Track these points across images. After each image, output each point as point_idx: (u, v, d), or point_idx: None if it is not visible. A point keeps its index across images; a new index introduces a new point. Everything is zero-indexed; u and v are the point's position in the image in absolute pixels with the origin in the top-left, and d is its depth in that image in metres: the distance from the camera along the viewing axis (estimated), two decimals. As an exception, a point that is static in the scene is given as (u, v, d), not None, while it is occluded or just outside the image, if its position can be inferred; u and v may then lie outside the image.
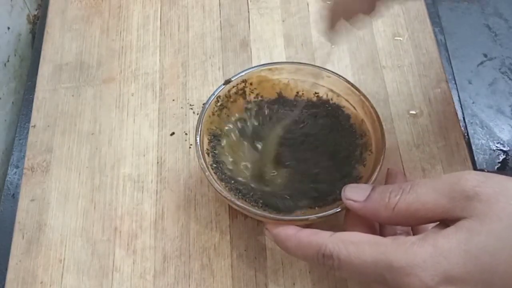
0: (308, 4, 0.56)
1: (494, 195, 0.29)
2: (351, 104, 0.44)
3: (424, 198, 0.31)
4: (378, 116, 0.42)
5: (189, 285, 0.42)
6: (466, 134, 0.49)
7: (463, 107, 0.50)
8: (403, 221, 0.33)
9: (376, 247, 0.31)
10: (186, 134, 0.49)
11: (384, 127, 0.41)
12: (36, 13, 0.63)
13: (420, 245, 0.30)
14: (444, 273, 0.29)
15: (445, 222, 0.31)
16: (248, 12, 0.56)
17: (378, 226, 0.37)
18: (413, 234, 0.38)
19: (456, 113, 0.49)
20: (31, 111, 0.51)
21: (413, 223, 0.36)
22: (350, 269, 0.32)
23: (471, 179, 0.30)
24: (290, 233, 0.35)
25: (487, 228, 0.29)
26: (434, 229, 0.31)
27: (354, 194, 0.35)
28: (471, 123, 0.51)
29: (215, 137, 0.44)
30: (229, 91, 0.44)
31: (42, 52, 0.55)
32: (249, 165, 0.44)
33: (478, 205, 0.29)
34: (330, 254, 0.32)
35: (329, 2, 0.56)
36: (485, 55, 0.55)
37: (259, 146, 0.45)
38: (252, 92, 0.46)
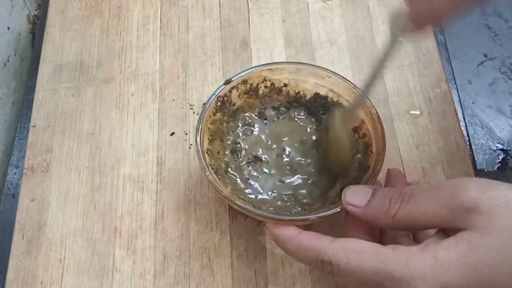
0: (308, 4, 0.56)
1: (495, 207, 0.29)
2: None
3: (424, 208, 0.31)
4: (378, 117, 0.41)
5: (189, 285, 0.42)
6: (466, 134, 0.49)
7: (463, 107, 0.50)
8: (403, 228, 0.33)
9: (377, 256, 0.31)
10: (186, 134, 0.49)
11: (384, 127, 0.41)
12: (36, 13, 0.62)
13: (421, 256, 0.30)
14: (444, 285, 0.29)
15: (445, 230, 0.31)
16: (248, 12, 0.56)
17: (378, 229, 0.37)
18: (413, 238, 0.38)
19: (456, 113, 0.49)
20: (31, 111, 0.51)
21: (412, 230, 0.36)
22: (349, 277, 0.32)
23: (472, 190, 0.30)
24: (291, 234, 0.35)
25: (487, 242, 0.29)
26: (434, 239, 0.31)
27: (355, 199, 0.35)
28: (471, 123, 0.51)
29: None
30: (229, 91, 0.44)
31: (42, 52, 0.55)
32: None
33: (478, 217, 0.29)
34: (329, 261, 0.32)
35: (329, 2, 0.56)
36: (485, 55, 0.55)
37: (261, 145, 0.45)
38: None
